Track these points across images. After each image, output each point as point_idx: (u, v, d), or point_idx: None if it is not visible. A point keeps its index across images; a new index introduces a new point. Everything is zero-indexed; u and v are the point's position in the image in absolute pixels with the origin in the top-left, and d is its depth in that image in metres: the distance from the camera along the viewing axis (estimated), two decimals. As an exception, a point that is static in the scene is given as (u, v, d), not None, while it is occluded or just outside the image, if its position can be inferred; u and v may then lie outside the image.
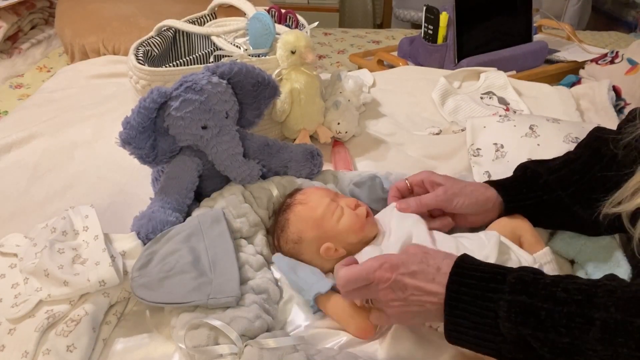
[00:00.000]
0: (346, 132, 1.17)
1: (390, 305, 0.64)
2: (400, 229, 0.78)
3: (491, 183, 0.84)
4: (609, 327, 0.52)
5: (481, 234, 0.78)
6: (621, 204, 0.67)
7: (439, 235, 0.78)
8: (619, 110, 1.32)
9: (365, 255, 0.76)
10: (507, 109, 1.33)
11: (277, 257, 0.82)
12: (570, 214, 0.79)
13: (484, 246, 0.74)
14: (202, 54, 1.24)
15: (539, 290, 0.56)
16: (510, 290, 0.57)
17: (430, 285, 0.61)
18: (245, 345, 0.65)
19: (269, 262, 0.83)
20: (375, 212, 0.86)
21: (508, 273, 0.59)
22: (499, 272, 0.59)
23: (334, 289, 0.74)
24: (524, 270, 0.59)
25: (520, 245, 0.77)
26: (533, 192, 0.80)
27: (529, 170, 0.83)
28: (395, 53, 1.75)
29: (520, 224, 0.79)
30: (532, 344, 0.55)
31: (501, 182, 0.84)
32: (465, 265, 0.61)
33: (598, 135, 0.83)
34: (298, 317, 0.76)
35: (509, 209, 0.81)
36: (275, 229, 0.85)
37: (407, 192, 0.86)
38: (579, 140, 1.03)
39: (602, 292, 0.54)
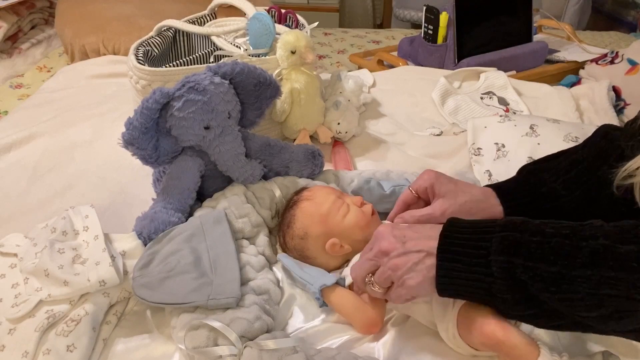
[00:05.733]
0: (346, 132, 1.17)
1: (390, 260, 0.64)
2: None
3: (494, 187, 0.81)
4: (597, 253, 0.54)
5: None
6: (635, 176, 0.66)
7: None
8: (618, 111, 1.32)
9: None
10: (507, 110, 1.33)
11: (283, 255, 0.82)
12: (573, 220, 0.78)
13: None
14: (202, 54, 1.24)
15: (529, 228, 0.59)
16: (501, 230, 0.60)
17: (426, 232, 0.64)
18: (245, 347, 0.65)
19: (270, 263, 0.83)
20: (379, 213, 0.85)
21: (498, 220, 0.63)
22: (490, 219, 0.64)
23: (339, 285, 0.75)
24: (512, 217, 0.63)
25: None
26: (537, 201, 0.78)
27: (532, 177, 0.81)
28: (395, 53, 1.75)
29: None
30: (522, 279, 0.57)
31: (504, 188, 0.81)
32: (456, 220, 0.64)
33: (605, 132, 0.80)
34: (299, 319, 0.76)
35: (509, 213, 0.78)
36: (281, 225, 0.85)
37: (415, 200, 0.82)
38: (579, 140, 1.02)
39: (589, 227, 0.57)
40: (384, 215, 0.87)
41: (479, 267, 0.59)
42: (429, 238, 0.62)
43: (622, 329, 0.56)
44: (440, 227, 0.63)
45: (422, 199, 0.82)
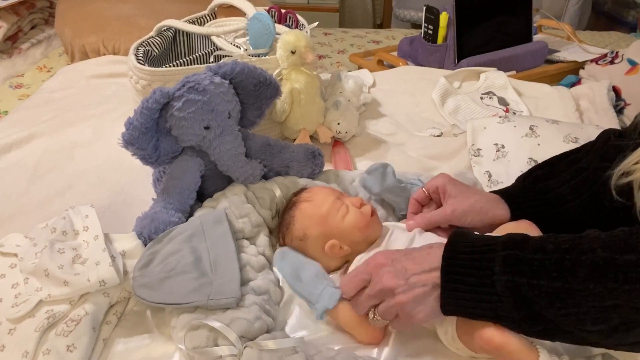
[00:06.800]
0: (346, 132, 1.17)
1: (395, 296, 0.64)
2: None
3: (500, 192, 0.82)
4: (597, 266, 0.55)
5: None
6: (632, 173, 0.67)
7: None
8: (618, 111, 1.32)
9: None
10: (507, 110, 1.33)
11: (279, 255, 0.81)
12: (579, 224, 0.78)
13: None
14: (202, 54, 1.24)
15: (529, 245, 0.60)
16: (503, 248, 0.61)
17: (427, 262, 0.64)
18: (245, 347, 0.65)
19: (270, 263, 0.82)
20: (383, 203, 0.86)
21: (499, 237, 0.63)
22: (490, 237, 0.65)
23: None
24: (513, 233, 0.64)
25: None
26: (543, 205, 0.79)
27: (538, 184, 0.82)
28: (395, 53, 1.75)
29: (528, 230, 0.75)
30: (527, 296, 0.58)
31: (510, 193, 0.82)
32: (458, 238, 0.65)
33: (607, 138, 0.81)
34: (299, 319, 0.76)
35: (515, 218, 0.80)
36: (280, 227, 0.85)
37: (427, 200, 0.86)
38: (579, 140, 1.02)
39: (587, 239, 0.58)
40: (389, 206, 0.90)
41: (483, 287, 0.60)
42: (431, 270, 0.63)
43: (629, 340, 0.56)
44: (440, 251, 0.64)
45: (433, 200, 0.85)
